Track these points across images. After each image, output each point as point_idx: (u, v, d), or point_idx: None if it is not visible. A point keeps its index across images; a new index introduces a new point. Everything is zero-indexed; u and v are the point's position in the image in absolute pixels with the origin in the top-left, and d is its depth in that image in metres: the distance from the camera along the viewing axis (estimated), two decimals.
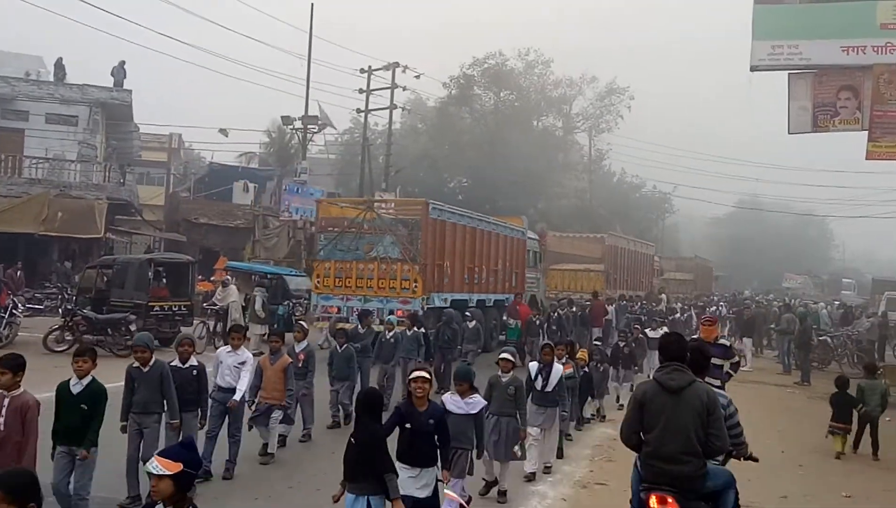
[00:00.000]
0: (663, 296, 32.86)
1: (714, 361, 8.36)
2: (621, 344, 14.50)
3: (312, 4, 33.43)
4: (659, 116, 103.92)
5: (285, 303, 19.66)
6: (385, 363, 12.30)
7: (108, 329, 16.22)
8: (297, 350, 9.78)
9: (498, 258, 21.63)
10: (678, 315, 25.54)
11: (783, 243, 75.38)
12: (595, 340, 15.41)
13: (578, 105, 50.26)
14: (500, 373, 7.86)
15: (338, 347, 10.86)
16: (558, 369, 8.88)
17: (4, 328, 16.37)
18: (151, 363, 7.15)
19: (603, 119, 50.08)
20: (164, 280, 19.21)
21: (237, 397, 8.16)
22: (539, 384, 8.74)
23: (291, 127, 36.06)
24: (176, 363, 7.61)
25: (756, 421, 13.60)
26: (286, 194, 32.24)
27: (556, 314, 19.96)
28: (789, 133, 19.14)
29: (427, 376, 5.95)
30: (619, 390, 14.00)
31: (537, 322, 18.45)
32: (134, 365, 7.20)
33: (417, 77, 36.64)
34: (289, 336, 11.33)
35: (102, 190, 26.96)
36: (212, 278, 28.17)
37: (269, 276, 21.84)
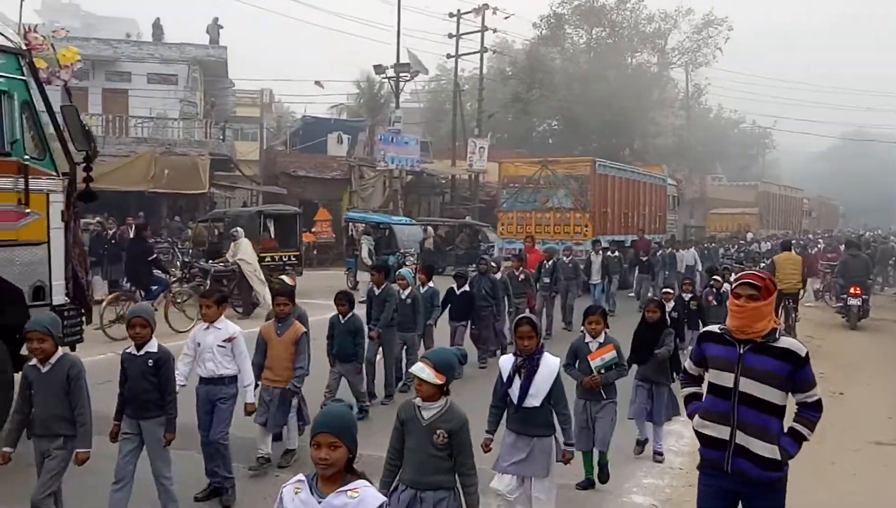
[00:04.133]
0: (750, 234, 31.33)
1: (763, 396, 3.73)
2: (687, 298, 10.55)
3: None
4: (760, 49, 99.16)
5: (395, 253, 19.83)
6: (403, 331, 9.44)
7: (224, 281, 16.59)
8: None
9: (646, 204, 25.50)
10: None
11: (893, 175, 71.35)
12: (665, 288, 11.57)
13: (674, 39, 48.22)
14: (417, 402, 3.94)
15: (339, 317, 8.05)
16: (551, 363, 4.93)
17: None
18: (55, 358, 4.79)
19: (700, 53, 47.92)
20: (273, 232, 19.54)
21: (249, 397, 6.03)
22: (515, 393, 4.89)
23: (384, 75, 35.88)
24: (131, 349, 5.32)
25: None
26: (381, 143, 32.16)
27: (549, 263, 14.22)
28: None
29: None
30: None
31: (521, 278, 12.74)
32: (31, 363, 4.86)
33: (507, 18, 35.88)
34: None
35: (204, 146, 27.54)
36: (313, 229, 28.67)
37: (380, 225, 21.94)
